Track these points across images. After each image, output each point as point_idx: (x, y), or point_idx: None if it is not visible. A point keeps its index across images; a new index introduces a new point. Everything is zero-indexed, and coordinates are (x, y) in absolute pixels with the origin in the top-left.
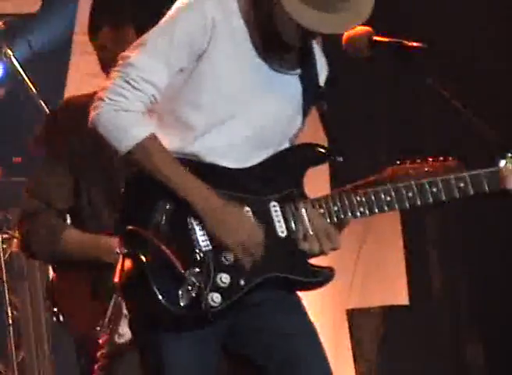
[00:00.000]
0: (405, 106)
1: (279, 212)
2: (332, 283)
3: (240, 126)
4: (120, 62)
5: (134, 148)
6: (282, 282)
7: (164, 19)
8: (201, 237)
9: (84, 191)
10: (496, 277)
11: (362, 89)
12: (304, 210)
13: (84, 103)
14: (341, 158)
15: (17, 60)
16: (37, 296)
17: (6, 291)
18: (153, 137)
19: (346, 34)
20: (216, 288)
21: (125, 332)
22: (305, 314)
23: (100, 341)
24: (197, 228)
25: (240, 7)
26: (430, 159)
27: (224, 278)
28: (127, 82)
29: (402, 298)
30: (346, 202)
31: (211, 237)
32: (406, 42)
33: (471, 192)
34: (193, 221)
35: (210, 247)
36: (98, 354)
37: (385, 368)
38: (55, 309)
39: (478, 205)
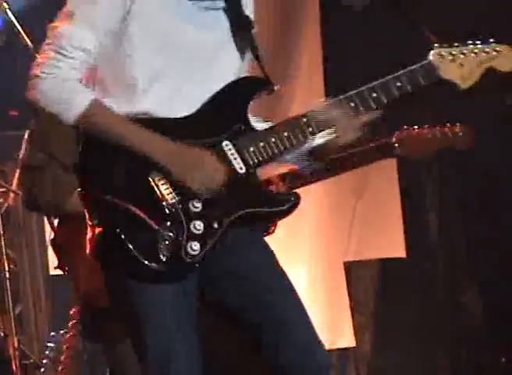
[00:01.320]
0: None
1: (233, 150)
2: (329, 236)
3: (176, 69)
4: (49, 33)
5: (81, 116)
6: (252, 218)
7: None
8: (165, 191)
9: None
10: (495, 226)
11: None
12: None
13: None
14: (278, 86)
15: (12, 13)
16: (34, 250)
17: (3, 245)
18: (97, 102)
19: None
20: (192, 237)
21: None
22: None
23: None
24: (159, 183)
25: None
26: (437, 127)
27: (197, 225)
28: (59, 52)
29: (399, 251)
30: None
31: (175, 187)
32: None
33: (409, 88)
34: (154, 177)
35: (176, 198)
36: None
37: (382, 318)
38: (61, 264)
39: (477, 153)
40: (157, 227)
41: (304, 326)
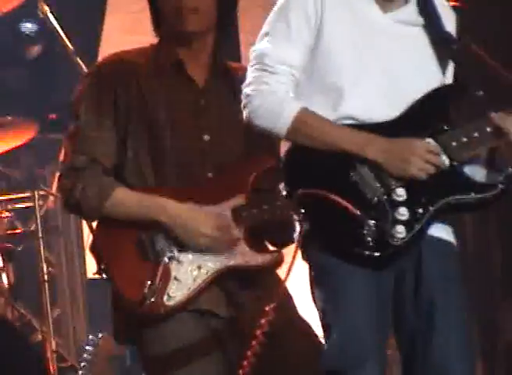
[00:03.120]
0: None
1: (437, 145)
2: None
3: (376, 76)
4: (251, 56)
5: (292, 126)
6: (457, 206)
7: (276, 6)
8: (371, 184)
9: (130, 146)
10: None
11: None
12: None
13: (128, 58)
14: (481, 92)
15: (54, 16)
16: (72, 252)
17: (42, 248)
18: (305, 110)
19: None
20: (397, 222)
21: (175, 295)
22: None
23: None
24: (366, 177)
25: None
26: None
27: (402, 211)
28: (264, 70)
29: None
30: None
31: (382, 177)
32: None
33: None
34: (360, 171)
35: (381, 189)
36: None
37: None
38: (102, 267)
39: None
40: (362, 215)
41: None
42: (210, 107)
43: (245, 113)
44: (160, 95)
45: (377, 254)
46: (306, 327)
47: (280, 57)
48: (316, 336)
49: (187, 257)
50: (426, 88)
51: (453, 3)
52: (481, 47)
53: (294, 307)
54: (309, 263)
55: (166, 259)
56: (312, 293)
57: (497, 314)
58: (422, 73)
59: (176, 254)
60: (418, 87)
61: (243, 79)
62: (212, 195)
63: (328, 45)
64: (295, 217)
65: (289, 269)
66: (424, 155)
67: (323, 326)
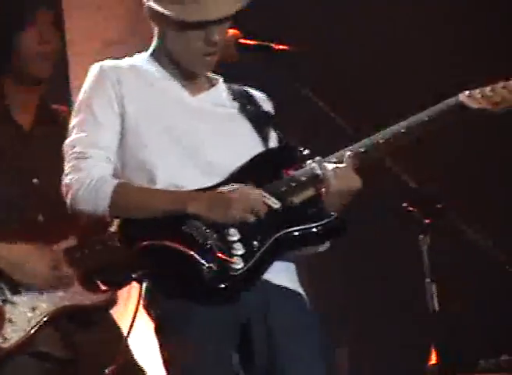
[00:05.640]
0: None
1: (266, 193)
2: None
3: (182, 151)
4: (65, 151)
5: (113, 202)
6: (293, 241)
7: (78, 98)
8: (202, 231)
9: None
10: None
11: None
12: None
13: None
14: (306, 151)
15: None
16: None
17: None
18: (122, 184)
19: None
20: (234, 256)
21: (10, 337)
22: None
23: None
24: (196, 226)
25: (153, 57)
26: None
27: (237, 246)
28: (77, 158)
29: None
30: None
31: (212, 226)
32: (274, 45)
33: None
34: (189, 223)
35: (213, 234)
36: None
37: None
38: None
39: None
40: (195, 255)
41: None
42: (36, 151)
43: (68, 202)
44: None
45: (220, 286)
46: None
47: (91, 142)
48: None
49: (21, 298)
50: (239, 160)
51: (283, 47)
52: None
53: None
54: (152, 316)
55: (0, 302)
56: (159, 345)
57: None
58: (233, 146)
59: (9, 296)
60: (230, 159)
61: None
62: (44, 238)
63: (135, 124)
64: (136, 273)
65: (131, 326)
66: (245, 197)
67: None
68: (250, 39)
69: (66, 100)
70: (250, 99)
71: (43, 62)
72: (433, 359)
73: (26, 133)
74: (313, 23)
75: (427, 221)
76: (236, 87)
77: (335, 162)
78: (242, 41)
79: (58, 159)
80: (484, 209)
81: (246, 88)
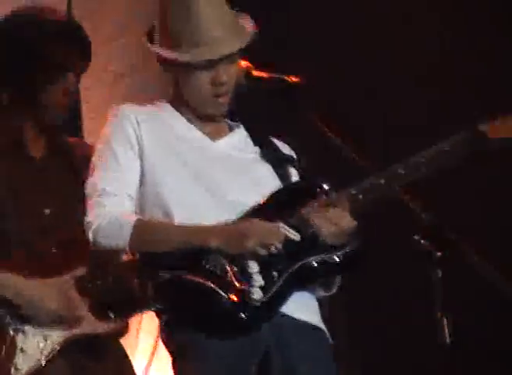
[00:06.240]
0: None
1: (284, 225)
2: None
3: (201, 193)
4: (86, 191)
5: (134, 237)
6: (312, 270)
7: (99, 139)
8: (222, 264)
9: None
10: None
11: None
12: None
13: None
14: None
15: None
16: None
17: None
18: (140, 221)
19: None
20: (254, 286)
21: (22, 367)
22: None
23: None
24: (216, 260)
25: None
26: None
27: (257, 278)
28: (98, 196)
29: None
30: None
31: (230, 257)
32: (286, 77)
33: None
34: (209, 257)
35: (233, 267)
36: None
37: None
38: None
39: None
40: (214, 287)
41: None
42: (48, 182)
43: (90, 237)
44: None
45: (240, 316)
46: None
47: (112, 180)
48: None
49: (32, 329)
50: (259, 198)
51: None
52: None
53: None
54: (171, 349)
55: (11, 332)
56: None
57: None
58: (253, 185)
59: (20, 325)
60: (250, 197)
61: (82, 157)
62: (56, 269)
63: (153, 164)
64: (153, 304)
65: (151, 360)
66: (262, 230)
67: None
68: (262, 71)
69: (77, 130)
70: (271, 144)
71: (64, 113)
72: None
73: (39, 165)
74: (316, 53)
75: (439, 254)
76: (256, 132)
77: (327, 205)
78: (254, 72)
79: (70, 190)
80: (498, 243)
81: (266, 134)
